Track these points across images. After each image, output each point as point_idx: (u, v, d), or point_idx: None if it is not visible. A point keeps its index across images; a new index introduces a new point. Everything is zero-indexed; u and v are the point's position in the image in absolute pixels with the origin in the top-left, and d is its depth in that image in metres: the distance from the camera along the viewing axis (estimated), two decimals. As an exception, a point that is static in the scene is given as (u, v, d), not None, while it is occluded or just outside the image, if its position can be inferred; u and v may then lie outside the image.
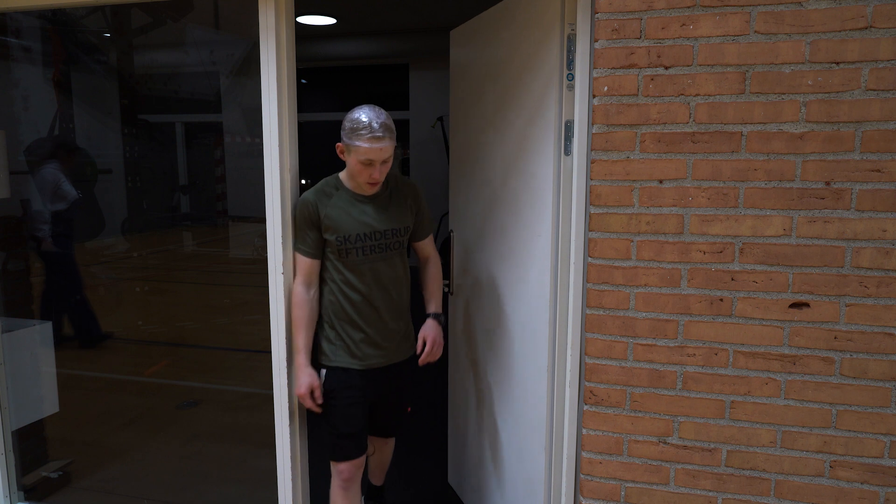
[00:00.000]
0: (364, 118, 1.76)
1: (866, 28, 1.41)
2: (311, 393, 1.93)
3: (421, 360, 1.99)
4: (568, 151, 1.74)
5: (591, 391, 1.67)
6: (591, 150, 1.59)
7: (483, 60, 2.14)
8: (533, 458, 1.96)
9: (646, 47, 1.52)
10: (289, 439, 2.06)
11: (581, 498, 1.72)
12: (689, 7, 1.49)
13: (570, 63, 1.71)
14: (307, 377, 1.91)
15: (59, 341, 2.87)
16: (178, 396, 2.90)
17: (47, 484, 2.64)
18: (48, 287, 2.87)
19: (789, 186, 1.49)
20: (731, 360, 1.57)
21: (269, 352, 2.04)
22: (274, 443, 2.09)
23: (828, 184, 1.47)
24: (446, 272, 3.68)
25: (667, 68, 1.51)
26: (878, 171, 1.44)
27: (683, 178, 1.54)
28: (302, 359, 1.91)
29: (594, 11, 1.56)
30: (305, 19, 5.07)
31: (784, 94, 1.46)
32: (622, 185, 1.58)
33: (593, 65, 1.57)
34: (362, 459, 2.00)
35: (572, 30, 1.70)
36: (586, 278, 1.64)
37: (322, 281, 1.97)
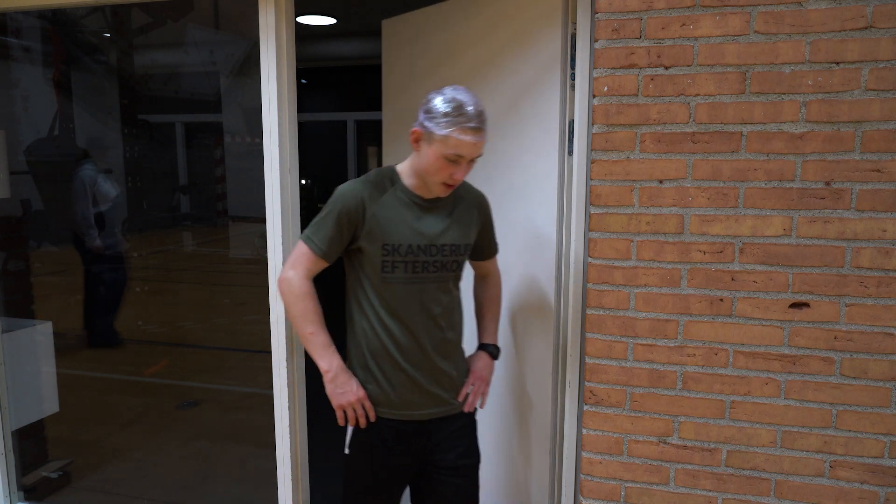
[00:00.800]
0: (462, 99, 1.41)
1: (866, 28, 1.41)
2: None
3: (467, 405, 1.63)
4: (571, 151, 1.74)
5: (591, 391, 1.67)
6: (591, 149, 1.59)
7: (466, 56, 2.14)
8: (538, 459, 1.96)
9: (646, 47, 1.52)
10: (289, 439, 2.06)
11: (581, 498, 1.72)
12: (689, 7, 1.49)
13: (573, 63, 1.71)
14: (349, 379, 1.54)
15: (96, 342, 2.88)
16: (178, 396, 2.90)
17: (47, 484, 2.64)
18: (90, 288, 2.88)
19: (789, 186, 1.49)
20: (731, 360, 1.57)
21: (269, 352, 2.04)
22: (274, 443, 2.09)
23: (828, 184, 1.47)
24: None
25: (667, 68, 1.51)
26: (878, 171, 1.44)
27: (683, 178, 1.54)
28: (334, 356, 1.54)
29: (594, 11, 1.56)
30: (305, 19, 5.07)
31: (784, 94, 1.46)
32: (622, 185, 1.58)
33: (593, 65, 1.57)
34: None
35: (575, 29, 1.70)
36: (586, 278, 1.64)
37: (353, 305, 1.59)
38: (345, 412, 1.56)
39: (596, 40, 1.55)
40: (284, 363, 2.02)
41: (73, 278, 3.03)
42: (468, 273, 1.81)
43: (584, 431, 1.69)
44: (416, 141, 1.49)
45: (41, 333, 2.66)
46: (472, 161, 1.47)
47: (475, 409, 1.69)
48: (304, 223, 2.07)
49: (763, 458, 1.59)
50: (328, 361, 1.53)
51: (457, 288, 1.63)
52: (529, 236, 1.91)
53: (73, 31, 2.68)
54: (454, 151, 1.42)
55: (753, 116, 1.48)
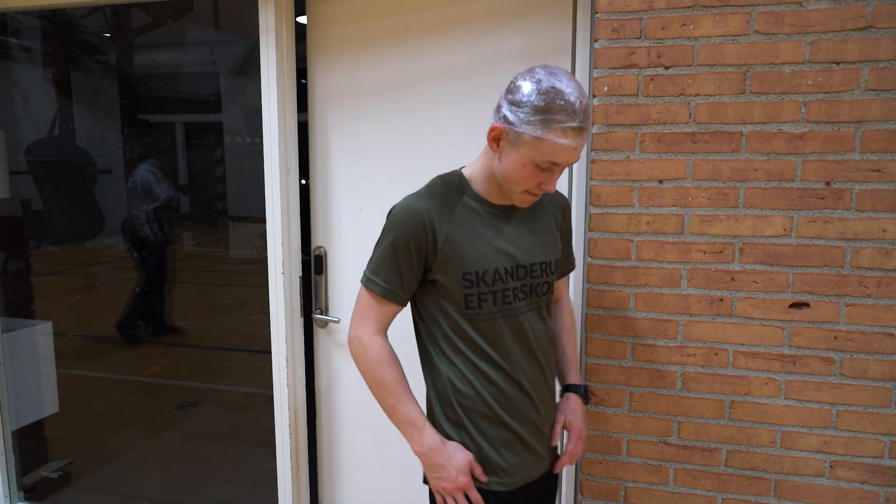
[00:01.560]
0: (562, 89, 1.07)
1: (866, 28, 1.41)
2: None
3: (559, 465, 1.35)
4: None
5: (591, 391, 1.67)
6: (591, 149, 1.59)
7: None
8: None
9: (646, 47, 1.52)
10: (289, 439, 2.06)
11: (581, 498, 1.72)
12: (689, 7, 1.49)
13: (573, 64, 1.71)
14: (446, 459, 1.22)
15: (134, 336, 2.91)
16: (178, 396, 2.90)
17: (47, 484, 2.64)
18: (144, 282, 2.91)
19: (789, 186, 1.49)
20: (731, 360, 1.57)
21: (269, 352, 2.04)
22: (274, 443, 2.09)
23: (828, 184, 1.47)
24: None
25: (667, 68, 1.51)
26: (878, 171, 1.44)
27: (683, 178, 1.54)
28: (424, 432, 1.22)
29: (594, 11, 1.56)
30: (305, 19, 5.09)
31: (784, 94, 1.46)
32: (622, 185, 1.58)
33: (593, 65, 1.57)
34: None
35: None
36: (586, 278, 1.64)
37: (433, 350, 1.28)
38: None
39: (596, 40, 1.55)
40: (284, 363, 2.02)
41: (73, 278, 3.03)
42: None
43: (584, 431, 1.69)
44: (496, 140, 1.16)
45: (41, 333, 2.66)
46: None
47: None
48: (305, 223, 2.07)
49: (763, 458, 1.59)
50: (418, 442, 1.22)
51: (550, 316, 1.35)
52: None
53: (73, 31, 2.68)
54: (549, 158, 1.09)
55: (753, 116, 1.48)
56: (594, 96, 1.57)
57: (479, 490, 1.24)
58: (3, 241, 2.56)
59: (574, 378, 1.42)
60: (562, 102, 1.06)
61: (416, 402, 1.24)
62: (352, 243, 2.02)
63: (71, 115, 2.79)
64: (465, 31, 1.81)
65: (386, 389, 1.23)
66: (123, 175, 2.89)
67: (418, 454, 1.23)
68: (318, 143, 2.00)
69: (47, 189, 2.80)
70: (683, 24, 1.49)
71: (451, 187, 1.24)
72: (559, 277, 1.42)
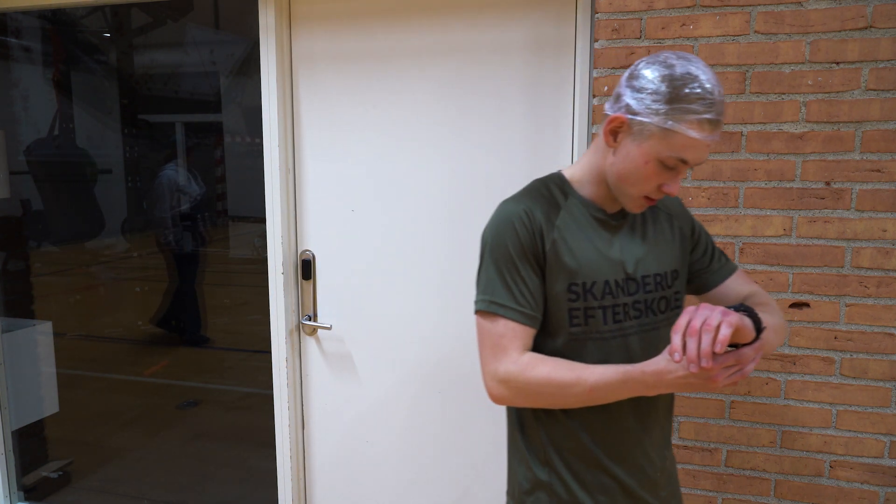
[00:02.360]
0: (697, 75, 0.92)
1: (866, 28, 1.41)
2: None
3: (688, 353, 0.86)
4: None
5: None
6: (591, 150, 1.59)
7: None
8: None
9: (646, 47, 1.52)
10: (289, 439, 2.06)
11: (581, 498, 1.72)
12: (689, 7, 1.49)
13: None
14: (659, 360, 0.94)
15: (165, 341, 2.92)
16: (178, 396, 2.90)
17: (47, 484, 2.64)
18: (175, 285, 2.92)
19: (789, 186, 1.49)
20: (731, 360, 1.57)
21: (269, 352, 2.04)
22: (274, 443, 2.09)
23: (828, 184, 1.47)
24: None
25: (667, 68, 1.51)
26: (878, 171, 1.44)
27: (683, 177, 1.54)
28: (632, 373, 0.96)
29: (594, 11, 1.56)
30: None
31: (784, 94, 1.46)
32: (622, 185, 1.58)
33: (593, 65, 1.57)
34: None
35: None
36: (586, 278, 1.64)
37: None
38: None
39: (596, 40, 1.55)
40: (284, 363, 2.02)
41: (73, 278, 3.04)
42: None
43: (584, 431, 1.69)
44: (614, 133, 1.00)
45: (41, 333, 2.66)
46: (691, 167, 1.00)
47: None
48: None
49: (763, 458, 1.59)
50: (640, 380, 0.95)
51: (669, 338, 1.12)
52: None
53: (73, 31, 2.68)
54: (677, 154, 0.95)
55: (753, 116, 1.48)
56: (594, 96, 1.57)
57: None
58: (3, 241, 2.57)
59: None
60: (698, 90, 0.91)
61: (596, 365, 0.99)
62: (342, 247, 2.00)
63: (71, 115, 2.79)
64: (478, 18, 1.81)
65: (565, 385, 0.99)
66: (123, 175, 2.90)
67: (650, 374, 0.94)
68: (306, 141, 2.00)
69: (47, 189, 2.80)
70: (683, 24, 1.49)
71: (552, 188, 1.09)
72: (722, 280, 1.18)
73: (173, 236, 2.90)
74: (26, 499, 2.59)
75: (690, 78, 0.92)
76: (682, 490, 1.64)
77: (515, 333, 1.03)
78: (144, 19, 2.62)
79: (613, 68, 1.54)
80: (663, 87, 0.93)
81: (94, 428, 2.83)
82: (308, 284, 2.04)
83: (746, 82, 1.48)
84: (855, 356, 1.51)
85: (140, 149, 2.87)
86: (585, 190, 1.08)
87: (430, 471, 2.03)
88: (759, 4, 1.45)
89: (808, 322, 1.52)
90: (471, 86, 1.82)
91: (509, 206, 1.06)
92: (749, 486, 1.61)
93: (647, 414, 1.09)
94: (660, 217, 1.14)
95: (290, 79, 1.96)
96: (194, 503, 2.53)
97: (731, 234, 1.53)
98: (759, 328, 0.93)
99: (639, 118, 0.95)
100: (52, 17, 2.61)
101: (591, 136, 1.60)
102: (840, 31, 1.42)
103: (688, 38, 1.49)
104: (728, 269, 1.19)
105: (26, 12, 2.49)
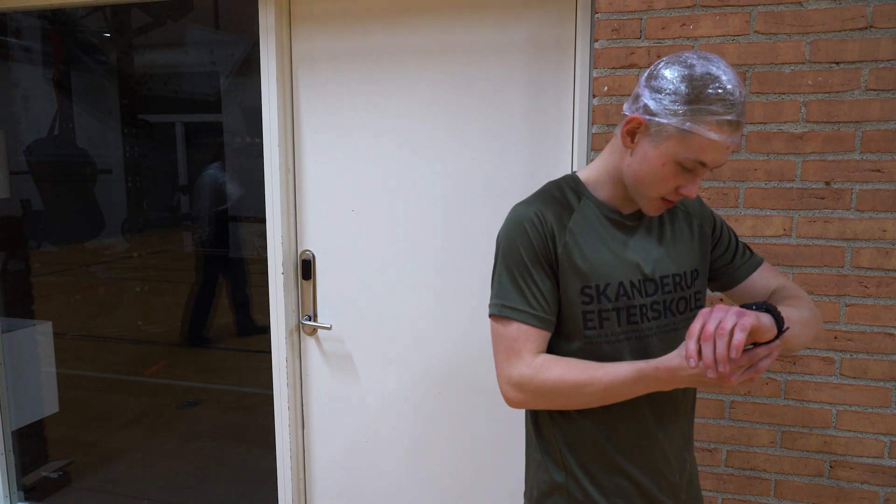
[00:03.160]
0: (718, 75, 0.91)
1: (866, 28, 1.41)
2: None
3: (703, 359, 0.85)
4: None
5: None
6: (591, 150, 1.59)
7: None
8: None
9: (646, 47, 1.52)
10: (289, 439, 2.06)
11: (581, 498, 1.72)
12: (689, 7, 1.49)
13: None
14: (673, 357, 0.92)
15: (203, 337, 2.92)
16: (178, 396, 2.89)
17: (47, 484, 2.64)
18: (205, 285, 2.93)
19: (789, 186, 1.49)
20: (731, 360, 1.57)
21: (269, 352, 2.04)
22: (274, 443, 2.09)
23: (828, 184, 1.47)
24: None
25: (667, 68, 1.51)
26: (878, 171, 1.44)
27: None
28: (644, 369, 0.95)
29: (594, 11, 1.56)
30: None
31: (784, 94, 1.46)
32: (622, 185, 1.58)
33: (593, 65, 1.57)
34: None
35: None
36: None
37: None
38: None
39: (596, 40, 1.55)
40: (284, 363, 2.02)
41: (73, 278, 3.04)
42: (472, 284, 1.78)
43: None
44: (632, 133, 0.99)
45: (41, 333, 2.67)
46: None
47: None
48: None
49: (763, 458, 1.59)
50: (654, 377, 0.94)
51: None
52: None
53: (73, 31, 2.68)
54: (695, 156, 0.92)
55: (753, 116, 1.48)
56: (594, 96, 1.57)
57: None
58: (3, 241, 2.57)
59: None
60: (719, 91, 0.89)
61: (611, 364, 0.98)
62: (342, 247, 2.01)
63: (71, 115, 2.79)
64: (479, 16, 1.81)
65: (579, 385, 0.98)
66: (124, 175, 2.90)
67: (663, 370, 0.93)
68: (306, 141, 2.00)
69: (47, 189, 2.80)
70: (683, 24, 1.49)
71: (566, 190, 1.08)
72: (747, 275, 1.16)
73: (209, 236, 2.90)
74: (26, 499, 2.59)
75: (711, 78, 0.90)
76: (682, 490, 1.64)
77: (528, 336, 1.03)
78: (144, 19, 2.62)
79: (613, 68, 1.54)
80: (682, 88, 0.91)
81: (94, 428, 2.83)
82: (308, 284, 2.04)
83: (746, 82, 1.48)
84: (855, 356, 1.51)
85: (140, 149, 2.87)
86: (601, 191, 1.07)
87: (431, 471, 2.03)
88: (759, 4, 1.45)
89: (808, 322, 1.52)
90: (471, 86, 1.82)
91: (521, 209, 1.05)
92: (749, 486, 1.61)
93: (664, 413, 1.08)
94: (678, 217, 1.12)
95: (290, 79, 1.96)
96: (194, 503, 2.53)
97: (731, 234, 1.53)
98: (780, 326, 0.90)
99: (657, 119, 0.94)
100: (52, 17, 2.61)
101: (591, 136, 1.60)
102: (840, 31, 1.42)
103: (688, 38, 1.49)
104: (753, 264, 1.17)
105: (26, 12, 2.49)
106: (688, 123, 0.91)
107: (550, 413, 1.10)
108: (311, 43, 1.93)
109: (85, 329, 3.00)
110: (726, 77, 0.91)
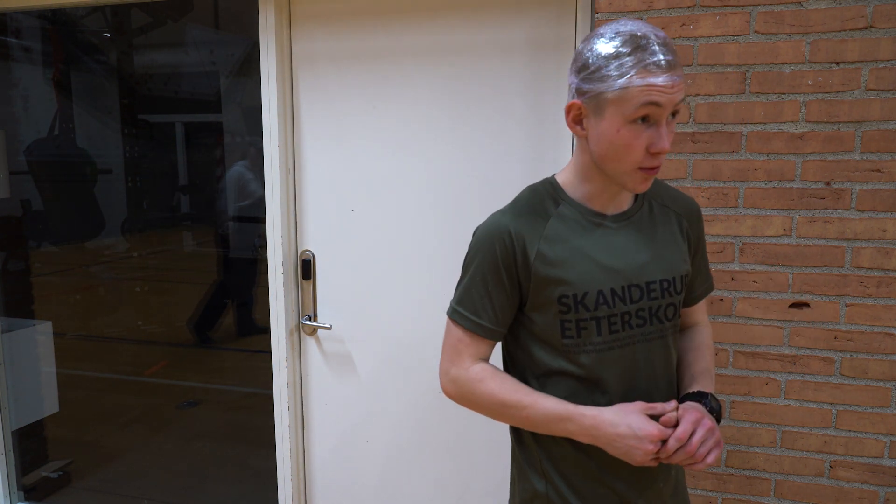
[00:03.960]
0: (632, 30, 0.91)
1: (866, 28, 1.41)
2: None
3: (666, 452, 0.93)
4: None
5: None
6: (591, 150, 1.59)
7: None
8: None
9: (646, 47, 1.52)
10: (289, 439, 2.06)
11: (581, 498, 1.72)
12: (689, 7, 1.49)
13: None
14: (637, 417, 0.95)
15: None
16: (178, 396, 2.89)
17: (47, 484, 2.64)
18: (224, 282, 2.92)
19: (789, 186, 1.49)
20: (731, 360, 1.57)
21: (269, 352, 2.04)
22: (274, 443, 2.09)
23: (828, 184, 1.47)
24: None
25: (667, 68, 1.51)
26: (878, 171, 1.44)
27: (683, 178, 1.54)
28: (584, 415, 0.97)
29: (594, 11, 1.56)
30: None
31: (784, 94, 1.46)
32: (622, 185, 1.58)
33: (593, 65, 1.57)
34: None
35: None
36: (586, 278, 1.64)
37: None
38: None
39: (596, 40, 1.55)
40: (284, 363, 2.02)
41: (73, 278, 3.04)
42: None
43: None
44: (578, 121, 0.99)
45: (41, 333, 2.67)
46: (673, 116, 0.94)
47: None
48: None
49: (763, 458, 1.59)
50: (577, 423, 0.97)
51: (675, 348, 1.09)
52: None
53: (73, 31, 2.68)
54: (645, 100, 0.89)
55: (753, 116, 1.48)
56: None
57: None
58: (3, 241, 2.57)
59: (697, 387, 1.06)
60: (634, 41, 0.89)
61: (548, 396, 1.01)
62: (342, 247, 2.01)
63: (71, 115, 2.79)
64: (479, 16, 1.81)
65: (505, 405, 1.01)
66: (124, 175, 2.90)
67: (593, 428, 0.97)
68: (306, 141, 2.00)
69: (47, 189, 2.80)
70: (683, 24, 1.49)
71: (541, 197, 1.05)
72: (697, 300, 1.18)
73: (230, 234, 2.90)
74: (26, 499, 2.59)
75: (620, 34, 0.91)
76: (682, 490, 1.64)
77: (471, 342, 1.06)
78: (144, 19, 2.62)
79: (613, 68, 1.54)
80: (599, 53, 0.92)
81: (94, 428, 2.83)
82: (308, 284, 2.04)
83: (746, 82, 1.48)
84: (855, 356, 1.51)
85: (140, 149, 2.87)
86: (578, 192, 1.05)
87: (430, 471, 2.03)
88: (759, 4, 1.45)
89: (808, 322, 1.52)
90: (471, 86, 1.82)
91: (495, 218, 1.04)
92: (749, 486, 1.61)
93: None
94: (669, 217, 1.09)
95: (290, 79, 1.96)
96: (194, 503, 2.53)
97: (731, 234, 1.53)
98: (718, 419, 1.03)
99: (590, 94, 0.94)
100: (52, 17, 2.61)
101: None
102: (840, 31, 1.42)
103: (688, 38, 1.50)
104: (705, 290, 1.20)
105: (26, 12, 2.49)
106: (618, 82, 0.90)
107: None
108: (311, 43, 1.93)
109: (85, 329, 3.00)
110: (634, 26, 0.91)
